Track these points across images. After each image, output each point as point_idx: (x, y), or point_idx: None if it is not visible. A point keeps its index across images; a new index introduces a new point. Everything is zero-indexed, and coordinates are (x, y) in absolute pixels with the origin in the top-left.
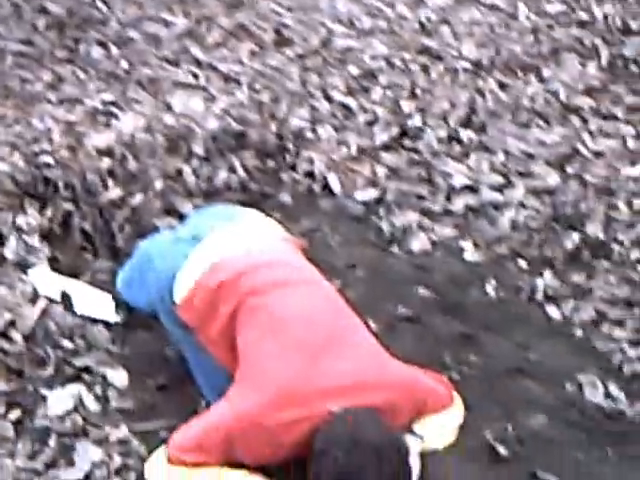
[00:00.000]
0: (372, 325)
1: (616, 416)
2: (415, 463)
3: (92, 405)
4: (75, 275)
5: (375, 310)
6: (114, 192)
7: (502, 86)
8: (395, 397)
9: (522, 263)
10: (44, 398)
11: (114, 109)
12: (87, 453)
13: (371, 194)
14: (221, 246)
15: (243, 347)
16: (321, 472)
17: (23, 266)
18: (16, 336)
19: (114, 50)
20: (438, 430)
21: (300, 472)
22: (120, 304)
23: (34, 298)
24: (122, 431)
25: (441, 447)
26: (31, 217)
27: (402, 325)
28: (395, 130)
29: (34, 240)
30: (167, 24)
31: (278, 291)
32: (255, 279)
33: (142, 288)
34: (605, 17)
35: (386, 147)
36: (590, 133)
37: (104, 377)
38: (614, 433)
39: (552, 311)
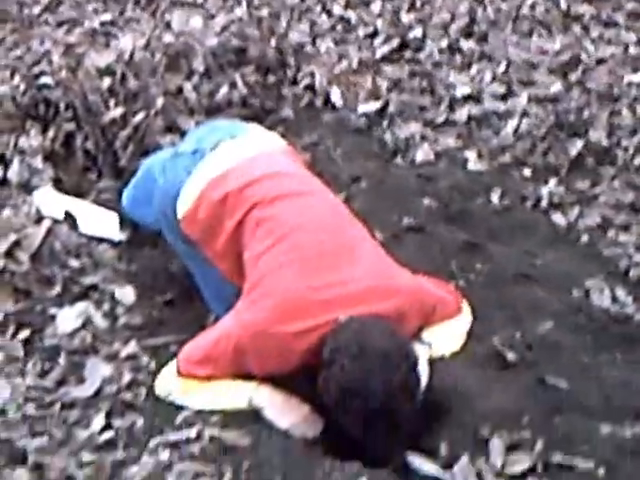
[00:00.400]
0: (378, 236)
1: (623, 320)
2: (424, 370)
3: (101, 322)
4: (79, 195)
5: (380, 221)
6: (116, 111)
7: None
8: (403, 305)
9: (526, 171)
10: (52, 317)
11: (113, 29)
12: (97, 370)
13: (373, 106)
14: (223, 159)
15: (249, 259)
16: (329, 380)
17: (27, 188)
18: (22, 257)
19: None
20: (446, 337)
21: (309, 382)
22: (125, 222)
23: (39, 219)
24: (131, 347)
25: (449, 354)
26: (33, 139)
27: (407, 235)
28: (396, 42)
29: (37, 162)
30: None
31: (283, 202)
32: (259, 191)
33: (147, 205)
34: None
35: (387, 59)
36: (592, 40)
37: (112, 294)
38: (621, 337)
39: (557, 218)
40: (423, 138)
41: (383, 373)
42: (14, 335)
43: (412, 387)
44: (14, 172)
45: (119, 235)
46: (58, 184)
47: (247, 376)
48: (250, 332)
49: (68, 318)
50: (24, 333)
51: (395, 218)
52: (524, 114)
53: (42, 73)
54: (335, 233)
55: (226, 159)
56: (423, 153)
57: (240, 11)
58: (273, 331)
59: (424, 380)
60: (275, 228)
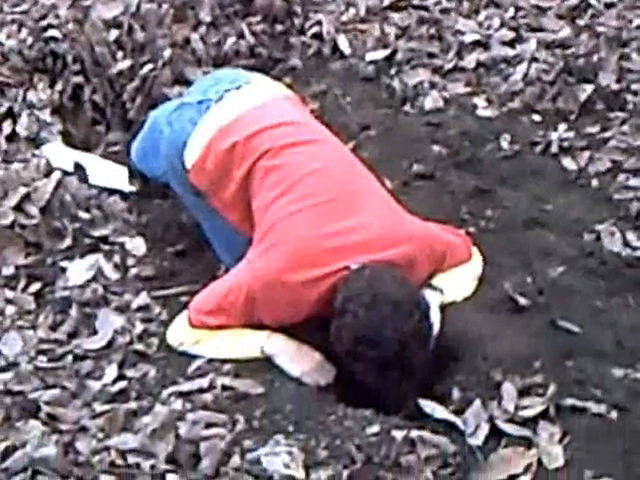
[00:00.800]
0: (387, 184)
1: (635, 263)
2: (435, 316)
3: (112, 274)
4: (88, 148)
5: (390, 169)
6: (123, 63)
7: None
8: (414, 251)
9: (536, 117)
10: (63, 269)
11: None
12: (108, 321)
13: (381, 54)
14: (230, 109)
15: (259, 209)
16: (342, 329)
17: (36, 141)
18: (32, 210)
19: None
20: (457, 283)
21: (321, 330)
22: (134, 174)
23: (48, 172)
24: (143, 298)
25: (460, 299)
26: (41, 92)
27: (417, 182)
28: None
29: (45, 115)
30: None
31: (291, 150)
32: (267, 140)
33: (155, 158)
34: None
35: (394, 6)
36: None
37: (122, 246)
38: (633, 280)
39: (567, 163)
40: (432, 85)
41: (395, 321)
42: (25, 288)
43: (424, 334)
44: (23, 126)
45: (129, 187)
46: (67, 137)
47: (259, 325)
48: (261, 281)
49: (79, 270)
50: (35, 286)
51: (405, 166)
52: (533, 59)
53: (49, 26)
54: (344, 181)
55: (232, 109)
56: (432, 100)
57: None
58: (284, 280)
59: (436, 326)
60: (284, 177)
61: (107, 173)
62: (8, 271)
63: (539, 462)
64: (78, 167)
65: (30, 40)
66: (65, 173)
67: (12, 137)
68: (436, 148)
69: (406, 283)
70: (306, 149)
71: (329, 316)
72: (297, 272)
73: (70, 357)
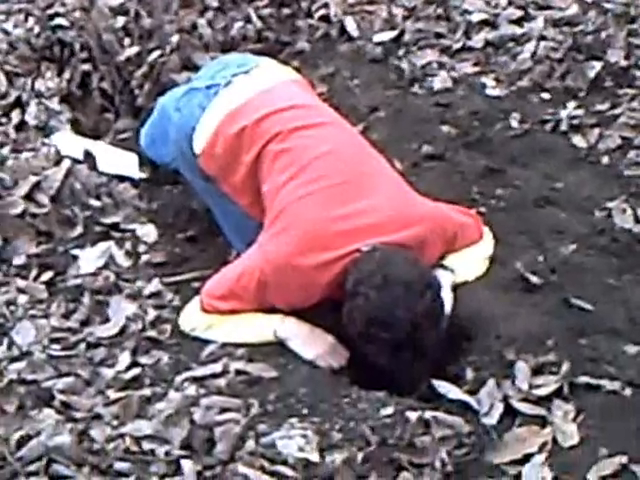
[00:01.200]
0: (397, 165)
1: None
2: (447, 296)
3: (123, 261)
4: (97, 136)
5: (400, 150)
6: (131, 50)
7: None
8: (424, 232)
9: (545, 95)
10: (75, 258)
11: None
12: (121, 308)
13: (389, 35)
14: (238, 94)
15: (269, 192)
16: (354, 311)
17: (45, 130)
18: (43, 198)
19: None
20: (469, 263)
21: (333, 313)
22: (144, 161)
23: (58, 160)
24: (154, 284)
25: (472, 279)
26: (49, 81)
27: (427, 163)
28: None
29: (54, 104)
30: None
31: (300, 134)
32: (276, 123)
33: (164, 144)
34: None
35: None
36: None
37: (133, 233)
38: None
39: (577, 140)
40: (440, 65)
41: (407, 302)
42: (37, 277)
43: (437, 315)
44: (31, 115)
45: (139, 174)
46: (76, 125)
47: (271, 309)
48: (272, 266)
49: (90, 258)
50: (47, 275)
51: (415, 147)
52: (541, 38)
53: (56, 14)
54: (354, 163)
55: (241, 93)
56: (441, 80)
57: None
58: (295, 264)
59: (448, 306)
60: (293, 160)
61: (117, 160)
62: (20, 260)
63: (554, 440)
64: (88, 155)
65: (37, 29)
66: (75, 161)
67: (21, 126)
68: (445, 128)
69: (417, 264)
70: (315, 132)
71: (341, 299)
72: (308, 256)
73: (83, 345)
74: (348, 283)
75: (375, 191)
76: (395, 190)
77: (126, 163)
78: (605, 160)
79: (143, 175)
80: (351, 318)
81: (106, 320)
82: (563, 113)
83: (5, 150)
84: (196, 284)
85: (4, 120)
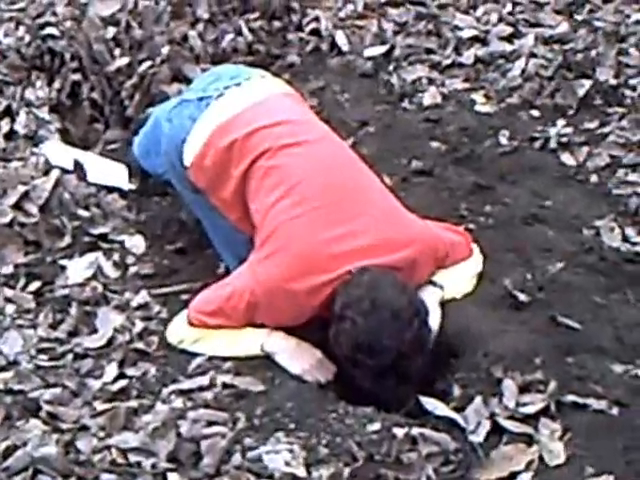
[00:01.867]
0: (387, 180)
1: (634, 259)
2: (435, 314)
3: (111, 272)
4: (87, 146)
5: (389, 165)
6: (121, 61)
7: None
8: (416, 253)
9: (534, 112)
10: (63, 268)
11: None
12: (108, 319)
13: (379, 50)
14: (230, 106)
15: (259, 211)
16: (340, 335)
17: (34, 139)
18: (31, 208)
19: None
20: (457, 280)
21: (321, 328)
22: (133, 172)
23: (47, 170)
24: (142, 296)
25: (460, 296)
26: (39, 90)
27: (416, 179)
28: None
29: (44, 113)
30: None
31: (291, 150)
32: (266, 139)
33: (157, 155)
34: None
35: (392, 2)
36: None
37: (122, 244)
38: (633, 275)
39: (566, 158)
40: (430, 81)
41: (394, 330)
42: (25, 287)
43: (423, 343)
44: (21, 124)
45: (128, 185)
46: (65, 135)
47: (259, 325)
48: (264, 288)
49: (78, 268)
50: (35, 285)
51: (404, 162)
52: (531, 55)
53: (46, 24)
54: (345, 182)
55: (232, 106)
56: (430, 96)
57: None
58: (287, 287)
59: (436, 323)
60: (283, 178)
61: (106, 171)
62: (8, 270)
63: (540, 459)
64: (77, 165)
65: (28, 38)
66: (64, 171)
67: (10, 135)
68: (435, 144)
69: (406, 290)
70: (306, 149)
71: (329, 317)
72: (300, 279)
73: (70, 356)
74: (336, 306)
75: (366, 211)
76: (386, 209)
77: (115, 174)
78: (594, 178)
79: (132, 186)
80: (337, 341)
81: (93, 331)
82: (552, 131)
83: None
84: (184, 296)
85: None
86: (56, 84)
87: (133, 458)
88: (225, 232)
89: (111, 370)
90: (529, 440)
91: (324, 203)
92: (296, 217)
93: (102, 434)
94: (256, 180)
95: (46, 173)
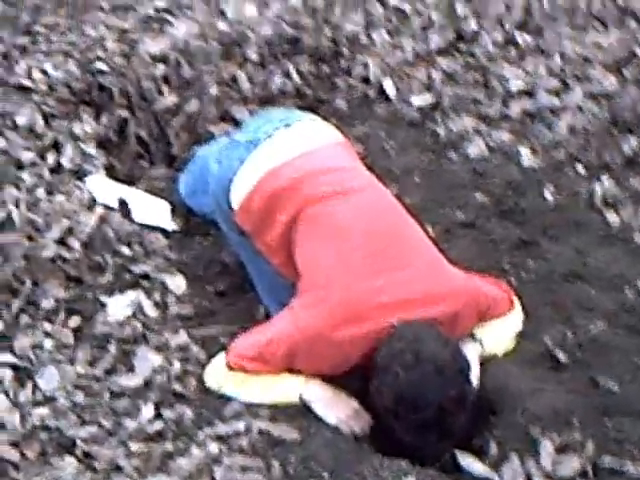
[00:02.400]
0: (430, 230)
1: None
2: (475, 370)
3: (151, 311)
4: (131, 183)
5: (433, 215)
6: (169, 99)
7: None
8: (458, 307)
9: (580, 168)
10: (103, 305)
11: (167, 16)
12: (147, 359)
13: (427, 99)
14: (278, 150)
15: (304, 258)
16: (382, 387)
17: (79, 174)
18: (74, 243)
19: None
20: (498, 336)
21: (359, 378)
22: (177, 211)
23: (91, 205)
24: (181, 337)
25: (501, 353)
26: (87, 125)
27: (460, 230)
28: (450, 34)
29: (90, 148)
30: None
31: (337, 199)
32: (314, 186)
33: (204, 194)
34: None
35: (441, 51)
36: None
37: (163, 283)
38: None
39: (610, 216)
40: (477, 132)
41: (437, 385)
42: (64, 322)
43: (466, 397)
44: (67, 158)
45: (172, 224)
46: (111, 171)
47: (297, 371)
48: (305, 336)
49: (119, 306)
50: (74, 320)
51: (448, 213)
52: (578, 110)
53: (96, 59)
54: (389, 232)
55: (281, 150)
56: (476, 148)
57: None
58: (328, 336)
59: (475, 380)
60: (329, 226)
61: (150, 210)
62: (48, 304)
63: None
64: (122, 203)
65: (77, 72)
66: (108, 207)
67: (56, 169)
68: (479, 196)
69: (449, 344)
70: (352, 197)
71: (369, 367)
72: (342, 329)
73: (107, 394)
74: (378, 358)
75: (410, 262)
76: (429, 261)
77: (159, 213)
78: (637, 238)
79: (175, 227)
80: (378, 393)
81: (131, 370)
82: (597, 187)
83: (39, 192)
84: (223, 339)
85: (39, 161)
86: (103, 119)
87: None
88: (268, 276)
89: (147, 411)
90: None
91: (368, 252)
92: (340, 265)
93: (136, 475)
94: (302, 226)
95: (90, 208)
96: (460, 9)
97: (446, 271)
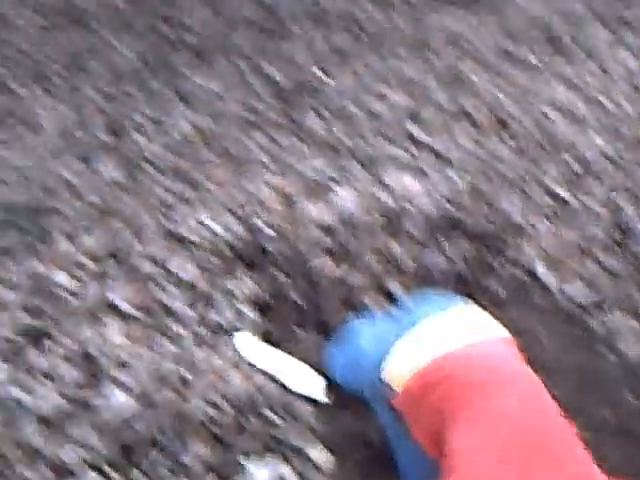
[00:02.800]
0: (579, 430)
1: None
2: None
3: None
4: (281, 346)
5: (584, 415)
6: (328, 267)
7: None
8: None
9: None
10: (244, 469)
11: (331, 183)
12: None
13: (586, 293)
14: (438, 338)
15: (451, 442)
16: None
17: (230, 332)
18: (221, 402)
19: (331, 121)
20: None
21: None
22: (331, 384)
23: (239, 365)
24: None
25: None
26: (243, 283)
27: (613, 436)
28: (616, 232)
29: (244, 307)
30: (383, 98)
31: (496, 395)
32: (475, 380)
33: (358, 370)
34: None
35: (605, 247)
36: None
37: (306, 454)
38: None
39: None
40: (634, 332)
41: None
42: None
43: None
44: (219, 313)
45: (325, 398)
46: (263, 333)
47: None
48: None
49: (261, 475)
50: (212, 478)
51: (601, 414)
52: None
53: (259, 219)
54: (540, 430)
55: (439, 339)
56: (635, 348)
57: (459, 180)
58: None
59: None
60: (479, 417)
61: (304, 380)
62: (188, 460)
63: None
64: (275, 368)
65: (238, 230)
66: (256, 369)
67: (207, 322)
68: (633, 399)
69: None
70: (510, 394)
71: None
72: None
73: None
74: None
75: (560, 466)
76: (578, 465)
77: (313, 384)
78: None
79: (328, 400)
80: None
81: None
82: None
83: (187, 343)
84: None
85: (190, 313)
86: (261, 280)
87: None
88: (412, 454)
89: None
90: None
91: (519, 453)
92: (485, 455)
93: None
94: (453, 412)
95: (238, 367)
96: (628, 208)
97: (596, 477)
